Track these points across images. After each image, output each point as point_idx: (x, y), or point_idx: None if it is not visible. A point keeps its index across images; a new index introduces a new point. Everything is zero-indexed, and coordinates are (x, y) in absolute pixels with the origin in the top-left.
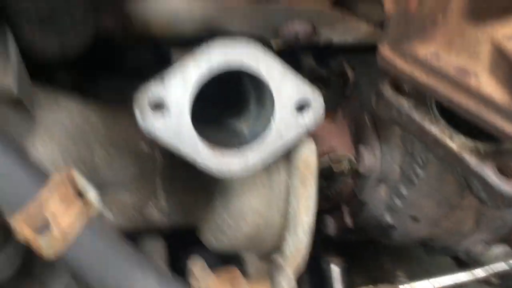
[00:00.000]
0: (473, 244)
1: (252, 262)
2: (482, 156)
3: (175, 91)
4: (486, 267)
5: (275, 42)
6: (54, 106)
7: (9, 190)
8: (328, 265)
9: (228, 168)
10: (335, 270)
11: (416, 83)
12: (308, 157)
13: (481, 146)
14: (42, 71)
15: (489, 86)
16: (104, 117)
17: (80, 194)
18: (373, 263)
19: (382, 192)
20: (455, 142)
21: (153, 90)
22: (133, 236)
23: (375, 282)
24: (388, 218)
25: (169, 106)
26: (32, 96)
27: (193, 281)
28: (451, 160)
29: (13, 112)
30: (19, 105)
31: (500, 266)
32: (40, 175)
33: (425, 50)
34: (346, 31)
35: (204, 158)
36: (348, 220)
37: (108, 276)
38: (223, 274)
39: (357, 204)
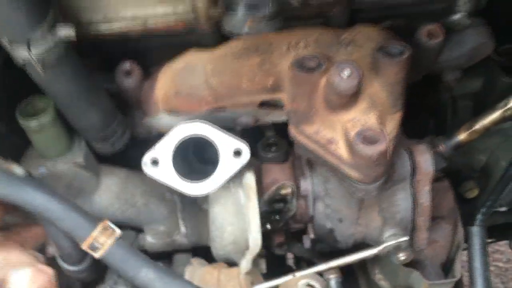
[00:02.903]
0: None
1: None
2: None
3: (162, 154)
4: (379, 247)
5: None
6: (110, 175)
7: (78, 231)
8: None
9: (197, 192)
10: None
11: (307, 148)
12: (249, 182)
13: None
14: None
15: (342, 149)
16: (142, 177)
17: (112, 229)
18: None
19: (320, 206)
20: None
21: (150, 154)
22: (168, 254)
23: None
24: (328, 224)
25: (160, 162)
26: (97, 168)
27: (189, 269)
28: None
29: (84, 173)
30: (88, 171)
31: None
32: (93, 222)
33: (310, 129)
34: (273, 116)
35: (183, 188)
36: (311, 233)
37: (124, 267)
38: (214, 265)
39: (310, 219)
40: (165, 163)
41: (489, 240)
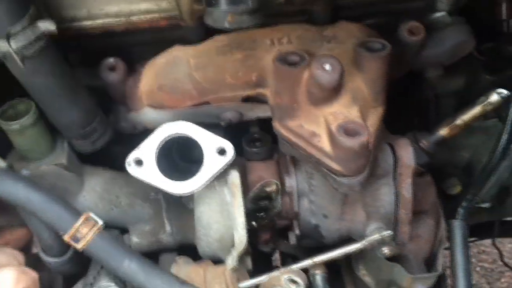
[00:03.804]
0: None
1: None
2: None
3: (145, 154)
4: (363, 241)
5: None
6: (94, 175)
7: (61, 223)
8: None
9: (182, 191)
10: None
11: (291, 142)
12: (234, 180)
13: None
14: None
15: (325, 142)
16: (127, 178)
17: (95, 221)
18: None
19: (305, 203)
20: None
21: (134, 154)
22: (154, 253)
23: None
24: (313, 220)
25: (144, 162)
26: (80, 169)
27: (175, 268)
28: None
29: (67, 174)
30: (71, 172)
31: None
32: (76, 213)
33: (293, 124)
34: (258, 111)
35: (167, 187)
36: (296, 230)
37: (107, 258)
38: (200, 263)
39: (295, 216)
40: (149, 163)
41: (473, 239)
